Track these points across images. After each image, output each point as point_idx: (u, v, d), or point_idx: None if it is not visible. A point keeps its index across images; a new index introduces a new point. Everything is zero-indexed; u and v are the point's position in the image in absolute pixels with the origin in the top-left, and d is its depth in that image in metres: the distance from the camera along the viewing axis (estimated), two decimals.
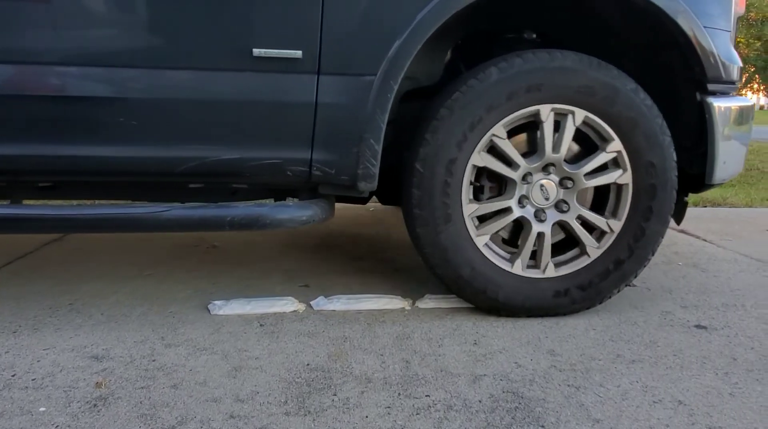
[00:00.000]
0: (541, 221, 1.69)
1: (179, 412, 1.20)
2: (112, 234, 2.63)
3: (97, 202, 1.94)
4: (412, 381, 1.34)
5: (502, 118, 1.61)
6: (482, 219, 1.71)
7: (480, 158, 1.63)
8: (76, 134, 1.49)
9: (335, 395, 1.28)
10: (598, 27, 1.87)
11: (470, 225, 1.67)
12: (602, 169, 1.69)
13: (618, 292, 1.75)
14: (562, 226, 1.71)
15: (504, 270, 1.69)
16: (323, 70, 1.51)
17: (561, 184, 1.69)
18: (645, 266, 1.73)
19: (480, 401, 1.26)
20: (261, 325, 1.65)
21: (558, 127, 1.65)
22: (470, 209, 1.66)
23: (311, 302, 1.80)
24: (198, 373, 1.36)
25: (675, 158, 1.68)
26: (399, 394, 1.29)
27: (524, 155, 1.67)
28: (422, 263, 2.22)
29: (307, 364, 1.42)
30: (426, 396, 1.28)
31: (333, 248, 2.49)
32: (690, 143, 1.77)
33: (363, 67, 1.52)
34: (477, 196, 1.72)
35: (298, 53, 1.48)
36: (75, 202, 1.85)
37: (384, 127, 1.56)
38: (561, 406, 1.25)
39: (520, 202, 1.69)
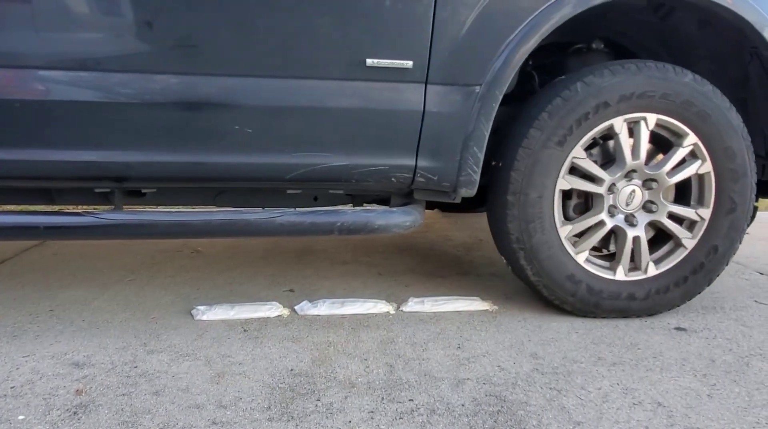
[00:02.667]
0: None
1: (161, 419, 1.19)
2: (93, 241, 2.61)
3: (198, 208, 1.93)
4: (396, 385, 1.35)
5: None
6: (577, 234, 1.75)
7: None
8: (194, 141, 1.52)
9: (319, 400, 1.28)
10: (669, 35, 1.91)
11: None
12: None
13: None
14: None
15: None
16: (431, 79, 1.55)
17: (645, 186, 1.73)
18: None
19: (463, 405, 1.27)
20: (245, 330, 1.64)
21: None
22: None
23: (295, 307, 1.80)
24: (181, 380, 1.36)
25: (751, 145, 1.72)
26: (382, 398, 1.29)
27: (603, 167, 1.70)
28: (406, 268, 2.22)
29: (291, 370, 1.41)
30: (409, 400, 1.28)
31: (317, 253, 2.49)
32: (765, 152, 1.86)
33: (470, 77, 1.56)
34: (566, 214, 1.75)
35: (409, 64, 1.52)
36: (188, 208, 1.85)
37: (488, 135, 1.60)
38: (543, 409, 1.26)
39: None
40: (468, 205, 1.93)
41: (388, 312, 1.80)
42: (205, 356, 1.48)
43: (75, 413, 1.21)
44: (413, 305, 1.82)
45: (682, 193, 1.78)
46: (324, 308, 1.79)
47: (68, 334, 1.59)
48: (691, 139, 1.69)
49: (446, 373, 1.41)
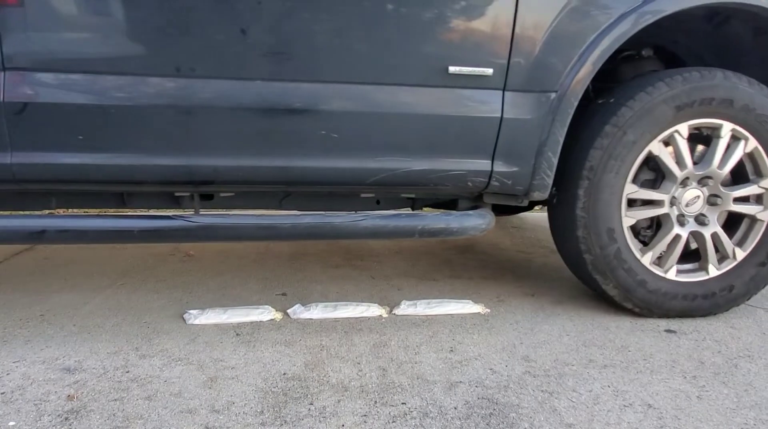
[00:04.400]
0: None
1: (153, 424, 1.19)
2: (85, 244, 2.59)
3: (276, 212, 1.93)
4: (389, 389, 1.35)
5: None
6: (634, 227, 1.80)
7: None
8: (282, 146, 1.56)
9: (312, 404, 1.28)
10: (721, 41, 1.94)
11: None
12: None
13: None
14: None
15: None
16: (509, 86, 1.60)
17: (701, 184, 1.76)
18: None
19: (455, 408, 1.28)
20: (237, 334, 1.64)
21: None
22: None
23: (288, 310, 1.80)
24: (173, 384, 1.35)
25: None
26: (375, 402, 1.29)
27: (655, 186, 1.76)
28: (398, 271, 2.22)
29: (284, 374, 1.42)
30: (402, 403, 1.29)
31: (310, 256, 2.49)
32: None
33: (546, 84, 1.61)
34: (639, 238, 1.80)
35: (489, 71, 1.57)
36: (275, 213, 1.86)
37: (562, 141, 1.65)
38: (534, 411, 1.27)
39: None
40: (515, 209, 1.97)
41: (380, 315, 1.80)
42: (197, 360, 1.47)
43: (66, 419, 1.20)
44: (406, 308, 1.83)
45: (738, 173, 1.81)
46: (317, 312, 1.79)
47: (59, 339, 1.59)
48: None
49: (439, 377, 1.42)
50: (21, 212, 1.74)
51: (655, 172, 1.78)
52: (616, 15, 1.60)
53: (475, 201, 1.83)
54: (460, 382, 1.39)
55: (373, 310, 1.81)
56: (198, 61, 1.48)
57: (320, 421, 1.21)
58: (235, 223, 1.61)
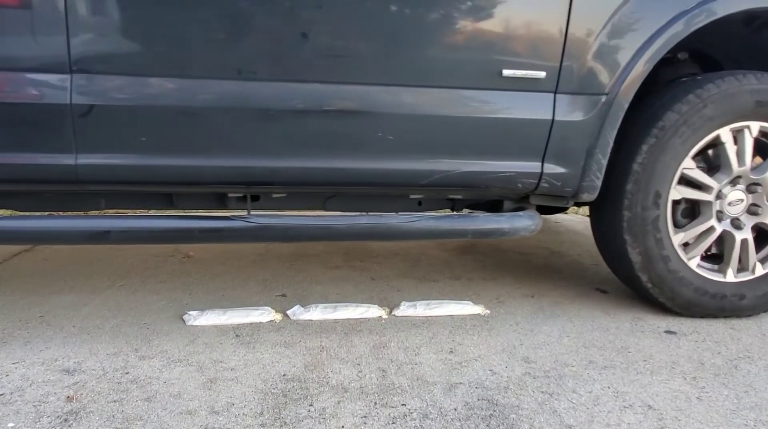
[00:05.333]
0: (740, 229, 1.79)
1: (153, 425, 1.19)
2: (82, 245, 2.59)
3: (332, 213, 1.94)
4: (389, 390, 1.35)
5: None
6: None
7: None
8: (340, 148, 1.59)
9: (311, 405, 1.28)
10: (759, 45, 1.95)
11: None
12: None
13: None
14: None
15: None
16: (560, 89, 1.63)
17: (749, 190, 1.78)
18: None
19: (455, 409, 1.27)
20: (237, 335, 1.64)
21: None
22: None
23: (288, 312, 1.80)
24: (172, 386, 1.35)
25: None
26: (375, 403, 1.29)
27: (709, 175, 1.76)
28: (398, 272, 2.22)
29: (284, 375, 1.41)
30: (402, 405, 1.29)
31: (310, 257, 2.48)
32: None
33: (597, 87, 1.64)
34: (675, 222, 1.80)
35: (542, 74, 1.60)
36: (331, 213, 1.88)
37: (612, 143, 1.67)
38: (534, 412, 1.27)
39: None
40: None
41: (380, 316, 1.80)
42: (197, 362, 1.47)
43: (66, 420, 1.20)
44: (405, 309, 1.83)
45: None
46: (316, 313, 1.79)
47: (59, 341, 1.58)
48: None
49: (439, 378, 1.41)
50: (85, 213, 1.77)
51: (708, 163, 1.79)
52: (668, 18, 1.62)
53: (520, 202, 1.85)
54: (460, 383, 1.39)
55: (373, 311, 1.81)
56: (259, 64, 1.50)
57: (320, 423, 1.21)
58: (293, 224, 1.63)
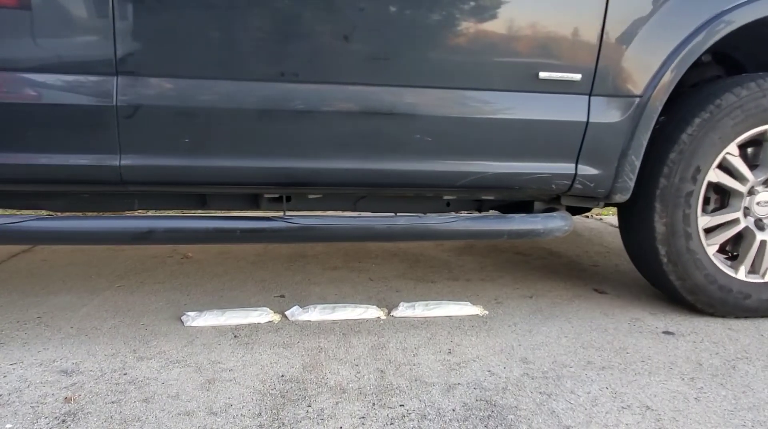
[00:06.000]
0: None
1: (151, 426, 1.19)
2: (81, 246, 2.59)
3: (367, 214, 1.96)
4: (387, 391, 1.35)
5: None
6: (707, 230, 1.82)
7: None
8: (379, 150, 1.61)
9: (310, 406, 1.28)
10: None
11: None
12: None
13: None
14: None
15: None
16: (595, 91, 1.65)
17: None
18: None
19: (453, 410, 1.27)
20: (235, 336, 1.64)
21: None
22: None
23: (286, 312, 1.80)
24: (170, 387, 1.35)
25: None
26: (373, 404, 1.29)
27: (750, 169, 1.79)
28: (397, 273, 2.22)
29: (282, 376, 1.41)
30: (400, 405, 1.29)
31: (308, 258, 2.48)
32: None
33: (631, 89, 1.66)
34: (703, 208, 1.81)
35: (577, 77, 1.62)
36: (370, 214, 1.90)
37: (645, 144, 1.69)
38: (533, 413, 1.27)
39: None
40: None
41: (378, 317, 1.80)
42: (195, 363, 1.47)
43: (63, 421, 1.20)
44: (404, 310, 1.83)
45: None
46: (315, 314, 1.79)
47: (56, 342, 1.58)
48: None
49: (437, 378, 1.41)
50: (127, 213, 1.78)
51: (747, 160, 1.80)
52: (702, 21, 1.64)
53: (550, 203, 1.87)
54: (459, 383, 1.39)
55: (372, 312, 1.81)
56: (301, 66, 1.52)
57: (318, 423, 1.21)
58: (333, 225, 1.64)
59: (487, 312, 1.86)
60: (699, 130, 1.71)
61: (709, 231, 1.81)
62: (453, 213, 1.80)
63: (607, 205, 1.92)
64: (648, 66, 1.65)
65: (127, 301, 1.91)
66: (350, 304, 1.87)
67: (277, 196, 1.78)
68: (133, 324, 1.71)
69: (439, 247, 2.74)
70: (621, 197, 1.75)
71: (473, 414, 1.26)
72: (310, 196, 1.81)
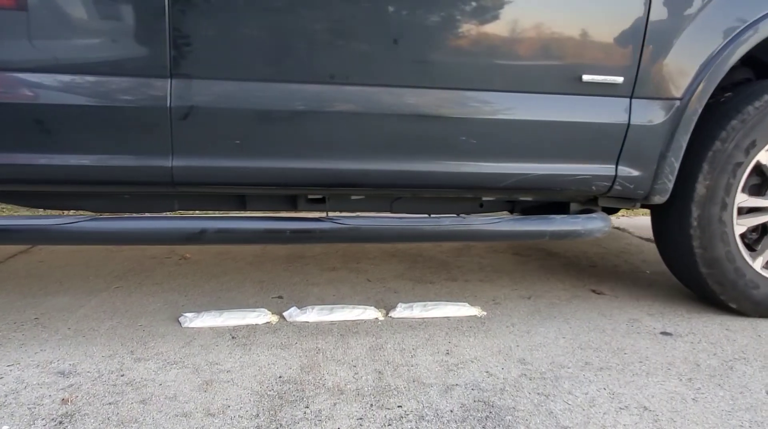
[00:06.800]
0: None
1: (148, 428, 1.19)
2: (78, 247, 2.58)
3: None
4: (385, 392, 1.35)
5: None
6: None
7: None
8: (426, 152, 1.63)
9: (307, 407, 1.28)
10: None
11: (736, 213, 1.80)
12: None
13: None
14: None
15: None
16: (636, 94, 1.67)
17: None
18: None
19: (451, 411, 1.27)
20: (233, 337, 1.64)
21: None
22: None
23: (284, 313, 1.79)
24: (168, 388, 1.35)
25: None
26: (371, 405, 1.29)
27: None
28: (395, 273, 2.22)
29: (280, 377, 1.41)
30: (398, 406, 1.29)
31: (306, 259, 2.48)
32: None
33: (672, 92, 1.68)
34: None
35: (620, 79, 1.64)
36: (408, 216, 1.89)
37: (685, 146, 1.71)
38: (531, 414, 1.27)
39: None
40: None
41: (377, 318, 1.80)
42: (192, 364, 1.47)
43: (60, 423, 1.20)
44: (402, 311, 1.83)
45: None
46: (313, 315, 1.79)
47: (54, 343, 1.58)
48: None
49: (435, 379, 1.41)
50: (182, 213, 1.81)
51: None
52: (744, 24, 1.66)
53: (586, 204, 1.89)
54: (456, 384, 1.39)
55: (370, 313, 1.81)
56: (351, 69, 1.54)
57: (316, 425, 1.21)
58: (381, 226, 1.65)
59: (485, 313, 1.86)
60: (756, 116, 1.73)
61: (740, 212, 1.82)
62: (496, 215, 1.81)
63: (643, 206, 1.93)
64: (688, 70, 1.67)
65: (124, 302, 1.91)
66: (348, 305, 1.87)
67: (320, 196, 1.80)
68: (131, 325, 1.71)
69: (437, 247, 2.74)
70: (659, 199, 1.77)
71: (471, 415, 1.26)
72: (353, 197, 1.83)
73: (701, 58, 1.67)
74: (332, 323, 1.75)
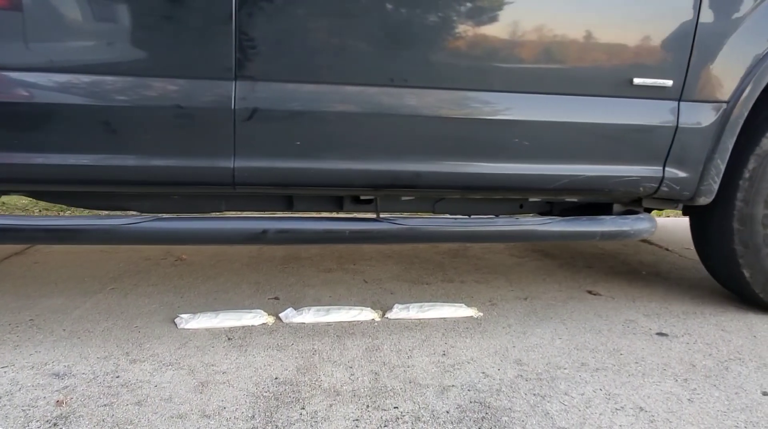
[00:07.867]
0: None
1: None
2: (74, 246, 2.58)
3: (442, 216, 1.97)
4: (381, 393, 1.35)
5: None
6: None
7: None
8: (480, 153, 1.66)
9: (303, 409, 1.27)
10: None
11: None
12: None
13: None
14: None
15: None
16: (684, 97, 1.70)
17: None
18: None
19: (448, 412, 1.27)
20: (229, 338, 1.63)
21: None
22: None
23: (280, 315, 1.79)
24: (163, 389, 1.34)
25: None
26: (367, 406, 1.29)
27: None
28: (391, 275, 2.22)
29: (276, 378, 1.41)
30: (394, 408, 1.28)
31: (302, 260, 2.48)
32: None
33: (719, 95, 1.71)
34: None
35: (669, 82, 1.68)
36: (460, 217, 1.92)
37: (731, 148, 1.74)
38: (527, 415, 1.27)
39: None
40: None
41: (373, 319, 1.80)
42: (188, 365, 1.46)
43: (55, 424, 1.19)
44: (398, 312, 1.83)
45: None
46: (309, 316, 1.78)
47: (49, 344, 1.57)
48: None
49: (431, 380, 1.41)
50: (245, 214, 1.84)
51: None
52: None
53: (629, 205, 1.91)
54: (453, 385, 1.39)
55: (366, 314, 1.81)
56: (410, 72, 1.56)
57: (312, 426, 1.21)
58: (438, 227, 1.67)
59: (481, 314, 1.86)
60: None
61: None
62: (548, 216, 1.83)
63: (685, 207, 1.94)
64: (734, 74, 1.70)
65: (120, 303, 1.90)
66: (345, 306, 1.87)
67: (370, 197, 1.82)
68: (126, 326, 1.70)
69: (434, 249, 2.74)
70: (705, 200, 1.79)
71: (467, 416, 1.26)
72: (403, 198, 1.84)
73: (748, 61, 1.70)
74: (328, 324, 1.75)
